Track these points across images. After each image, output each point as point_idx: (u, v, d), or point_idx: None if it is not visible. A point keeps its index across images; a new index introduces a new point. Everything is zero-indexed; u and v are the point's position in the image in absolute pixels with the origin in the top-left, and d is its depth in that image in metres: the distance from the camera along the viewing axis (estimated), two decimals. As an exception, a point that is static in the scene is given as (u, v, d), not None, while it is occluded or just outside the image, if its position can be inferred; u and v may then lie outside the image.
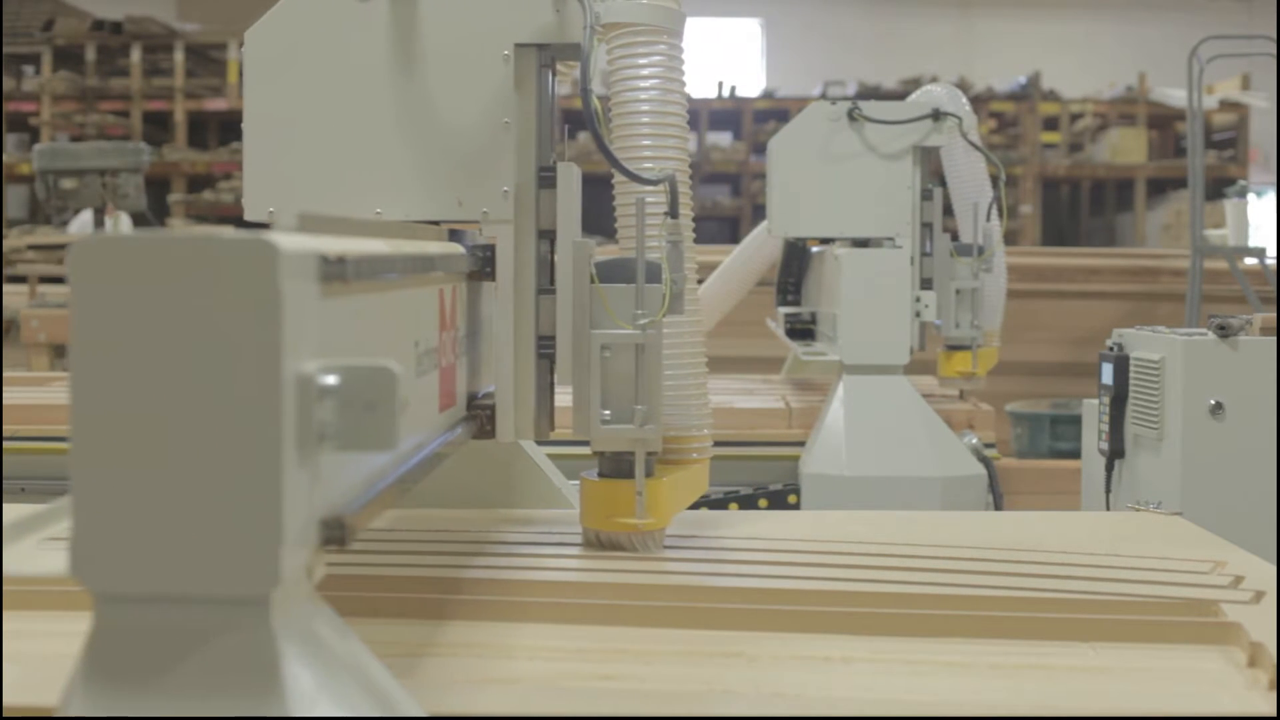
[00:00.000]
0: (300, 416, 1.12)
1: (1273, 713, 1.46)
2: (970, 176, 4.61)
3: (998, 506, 4.15)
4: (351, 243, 1.35)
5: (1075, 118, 14.08)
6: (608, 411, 2.02)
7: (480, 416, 2.11)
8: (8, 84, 12.05)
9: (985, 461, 4.13)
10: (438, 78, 2.12)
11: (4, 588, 1.62)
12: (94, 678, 1.09)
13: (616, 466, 2.07)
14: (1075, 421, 4.85)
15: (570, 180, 2.15)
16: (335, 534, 1.19)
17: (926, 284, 4.23)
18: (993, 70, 15.28)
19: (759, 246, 5.13)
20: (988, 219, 4.53)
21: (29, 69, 12.50)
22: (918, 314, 4.16)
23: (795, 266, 4.94)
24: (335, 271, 1.22)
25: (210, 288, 1.07)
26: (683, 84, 2.21)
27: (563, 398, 2.14)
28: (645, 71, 2.16)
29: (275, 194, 2.15)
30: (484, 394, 2.19)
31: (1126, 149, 13.46)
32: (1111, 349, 3.56)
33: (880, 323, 4.12)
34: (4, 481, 3.80)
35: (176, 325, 1.08)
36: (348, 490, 1.30)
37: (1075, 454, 4.14)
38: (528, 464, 2.44)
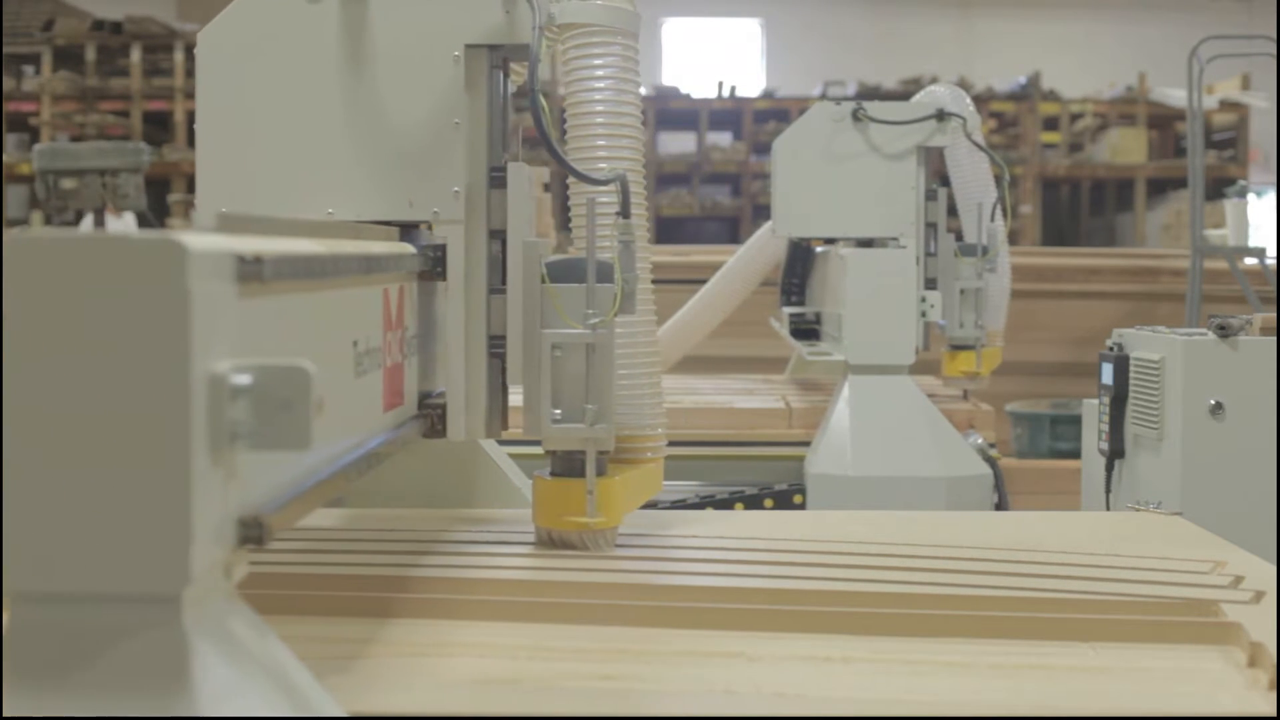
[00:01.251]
0: (211, 416, 1.12)
1: (1273, 713, 1.46)
2: (974, 177, 4.61)
3: (1003, 506, 4.15)
4: (274, 243, 1.35)
5: (1075, 118, 14.08)
6: (558, 411, 2.03)
7: (431, 416, 2.12)
8: (8, 84, 12.05)
9: (990, 461, 4.13)
10: (388, 78, 2.14)
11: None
12: (9, 676, 1.09)
13: (568, 465, 2.08)
14: (1075, 421, 4.85)
15: (520, 180, 2.16)
16: (253, 533, 1.20)
17: (931, 284, 4.24)
18: (993, 70, 15.28)
19: (762, 247, 5.14)
20: (991, 219, 4.53)
21: (29, 69, 12.49)
22: (923, 314, 4.16)
23: (799, 266, 4.95)
24: (252, 271, 1.22)
25: (121, 287, 1.08)
26: (637, 84, 2.22)
27: (517, 397, 2.15)
28: (600, 72, 2.18)
29: (228, 195, 2.16)
30: (438, 393, 2.19)
31: (1126, 149, 13.46)
32: (1111, 349, 3.56)
33: (885, 323, 4.12)
34: None
35: (89, 325, 1.08)
36: (271, 489, 1.30)
37: (1075, 454, 4.14)
38: (487, 464, 2.45)
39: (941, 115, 4.18)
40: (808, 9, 18.22)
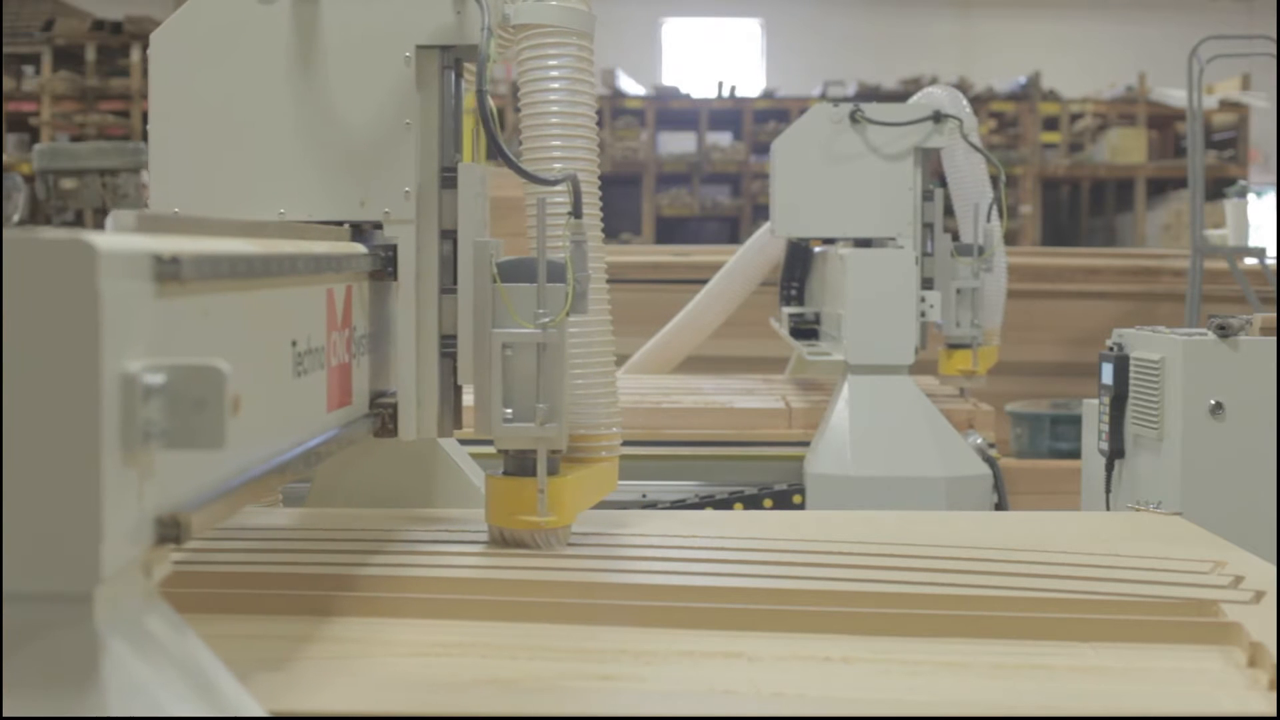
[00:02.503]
0: (123, 415, 1.12)
1: (1273, 713, 1.46)
2: (971, 177, 4.63)
3: (1003, 506, 4.15)
4: (197, 243, 1.35)
5: (1075, 118, 14.08)
6: (510, 410, 2.04)
7: (383, 415, 2.12)
8: (8, 84, 12.05)
9: (990, 461, 4.13)
10: (339, 79, 2.15)
11: None
12: None
13: (520, 465, 2.09)
14: (1075, 421, 4.85)
15: (471, 180, 2.16)
16: (171, 532, 1.20)
17: (928, 284, 4.25)
18: (993, 70, 15.27)
19: (761, 247, 5.15)
20: (988, 219, 4.55)
21: (29, 69, 12.49)
22: (922, 314, 4.17)
23: (798, 267, 4.95)
24: (170, 271, 1.23)
25: (31, 287, 1.08)
26: (592, 85, 2.24)
27: (471, 396, 2.16)
28: (555, 73, 2.19)
29: (181, 195, 2.17)
30: (390, 392, 2.20)
31: (1126, 149, 13.46)
32: (1111, 349, 3.56)
33: (885, 323, 4.13)
34: None
35: (2, 324, 1.09)
36: (197, 488, 1.31)
37: (1075, 454, 4.14)
38: (446, 463, 2.46)
39: (938, 117, 4.19)
40: (808, 9, 18.22)
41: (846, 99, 12.03)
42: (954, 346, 4.55)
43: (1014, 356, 7.60)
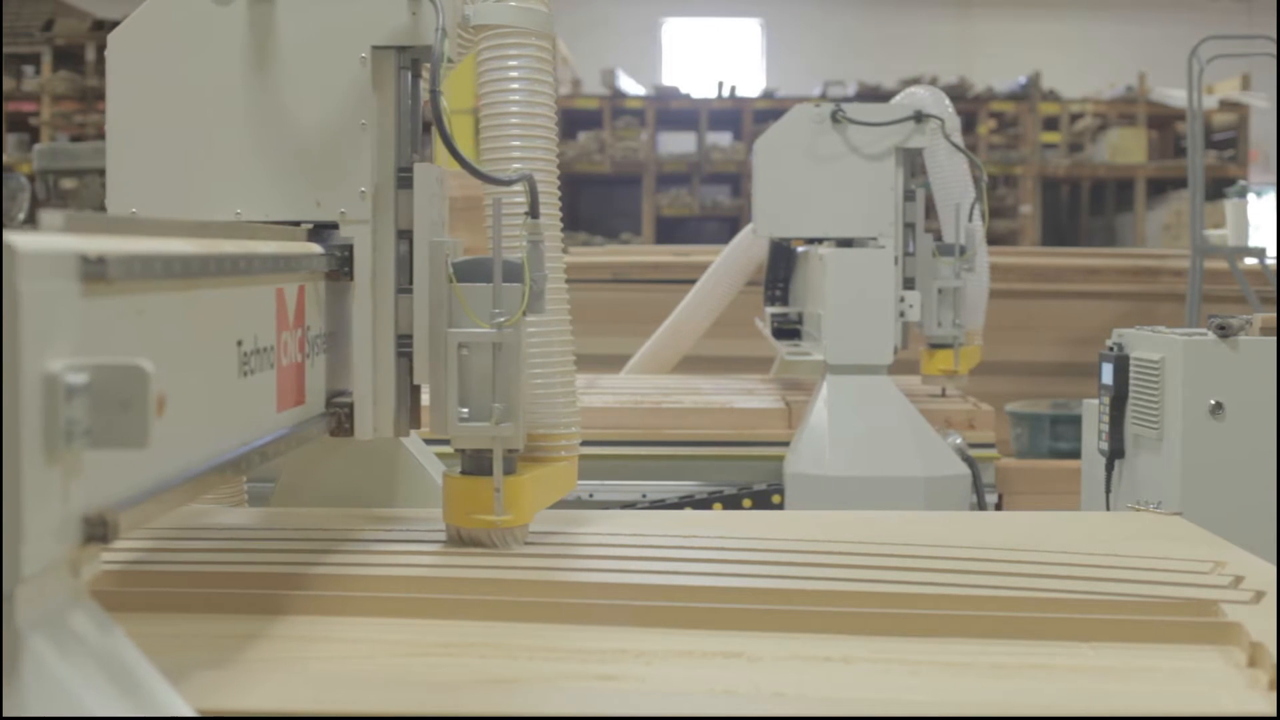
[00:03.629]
0: (45, 415, 1.13)
1: (1273, 713, 1.46)
2: (953, 177, 4.64)
3: (982, 506, 4.14)
4: (127, 242, 1.35)
5: (1075, 118, 14.08)
6: (466, 409, 2.05)
7: (339, 414, 2.13)
8: (8, 84, 12.05)
9: (969, 461, 4.12)
10: (296, 80, 2.15)
11: None
12: None
13: (478, 464, 2.09)
14: (1075, 421, 4.85)
15: (428, 181, 2.17)
16: (98, 531, 1.21)
17: (909, 284, 4.25)
18: (993, 70, 15.28)
19: (745, 248, 5.16)
20: (970, 219, 4.55)
21: (29, 69, 12.50)
22: (902, 314, 4.17)
23: (782, 267, 4.95)
24: (96, 271, 1.23)
25: None
26: (552, 85, 2.25)
27: None
28: (514, 74, 2.20)
29: (138, 196, 2.17)
30: (349, 391, 2.21)
31: (1126, 149, 13.47)
32: (1111, 349, 3.56)
33: (864, 323, 4.13)
34: None
35: None
36: (130, 487, 1.32)
37: (1075, 454, 4.14)
38: (410, 462, 2.46)
39: (919, 117, 4.19)
40: (808, 9, 18.23)
41: (847, 99, 12.05)
42: (936, 346, 4.55)
43: (1014, 356, 7.62)
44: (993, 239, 13.52)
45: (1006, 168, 13.47)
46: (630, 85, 14.26)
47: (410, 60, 2.20)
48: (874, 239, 4.19)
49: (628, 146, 13.16)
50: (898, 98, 4.66)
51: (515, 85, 2.20)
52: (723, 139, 13.97)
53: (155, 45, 2.17)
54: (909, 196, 4.25)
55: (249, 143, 2.15)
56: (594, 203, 14.67)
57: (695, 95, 13.78)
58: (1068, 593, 1.85)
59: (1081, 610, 1.78)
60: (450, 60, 2.23)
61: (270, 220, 2.15)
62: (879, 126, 4.20)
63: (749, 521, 2.60)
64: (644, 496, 4.16)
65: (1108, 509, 3.54)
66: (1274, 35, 7.86)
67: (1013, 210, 13.53)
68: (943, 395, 4.75)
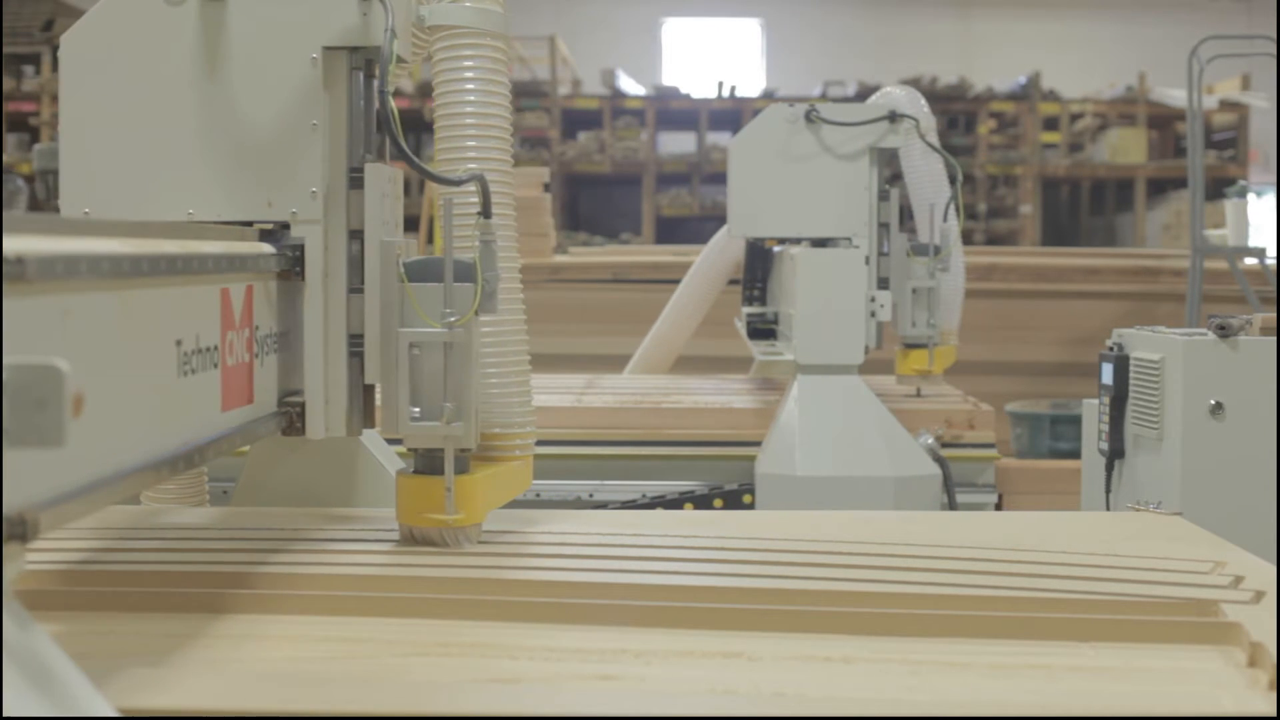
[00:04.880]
0: None
1: (1273, 713, 1.46)
2: (928, 177, 4.64)
3: (953, 506, 4.13)
4: (55, 243, 1.35)
5: (1075, 118, 14.09)
6: (417, 409, 2.06)
7: (291, 413, 2.13)
8: (8, 84, 12.05)
9: (940, 461, 4.11)
10: (247, 81, 2.16)
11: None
12: None
13: (430, 463, 2.10)
14: (1075, 421, 4.85)
15: (379, 181, 2.17)
16: (17, 529, 1.21)
17: (883, 284, 4.25)
18: (993, 70, 15.29)
19: (721, 249, 5.17)
20: (944, 219, 4.55)
21: (29, 69, 12.50)
22: (873, 314, 4.17)
23: (759, 267, 4.95)
24: (15, 272, 1.23)
25: None
26: (507, 85, 2.25)
27: None
28: (469, 74, 2.21)
29: (91, 196, 2.18)
30: (303, 390, 2.21)
31: (1126, 149, 13.47)
32: (1111, 349, 3.56)
33: (835, 323, 4.12)
34: None
35: None
36: (55, 485, 1.32)
37: (1075, 454, 4.14)
38: (369, 462, 2.47)
39: (893, 116, 4.19)
40: (808, 9, 18.23)
41: (846, 99, 12.05)
42: (910, 346, 4.55)
43: (1014, 356, 7.62)
44: (993, 239, 13.57)
45: (1006, 168, 13.48)
46: (630, 85, 14.27)
47: (363, 61, 2.21)
48: (848, 239, 4.19)
49: (628, 146, 13.16)
50: (874, 97, 4.66)
51: (470, 86, 2.20)
52: (723, 139, 13.96)
53: (108, 46, 2.17)
54: (883, 196, 4.25)
55: (201, 143, 2.16)
56: (594, 203, 14.68)
57: (695, 95, 13.78)
58: (1068, 593, 1.85)
59: (1081, 610, 1.78)
60: (404, 61, 2.25)
61: (223, 220, 2.15)
62: (853, 126, 4.20)
63: (748, 521, 2.60)
64: (643, 495, 4.16)
65: (1108, 509, 3.54)
66: (1274, 35, 7.86)
67: (1013, 210, 13.53)
68: (918, 395, 4.74)
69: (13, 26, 12.02)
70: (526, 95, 13.60)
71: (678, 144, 14.16)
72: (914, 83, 14.03)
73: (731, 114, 13.46)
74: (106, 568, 1.95)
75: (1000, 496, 4.40)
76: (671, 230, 13.03)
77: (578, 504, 4.06)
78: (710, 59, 17.95)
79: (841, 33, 17.99)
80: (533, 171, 8.49)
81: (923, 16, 18.22)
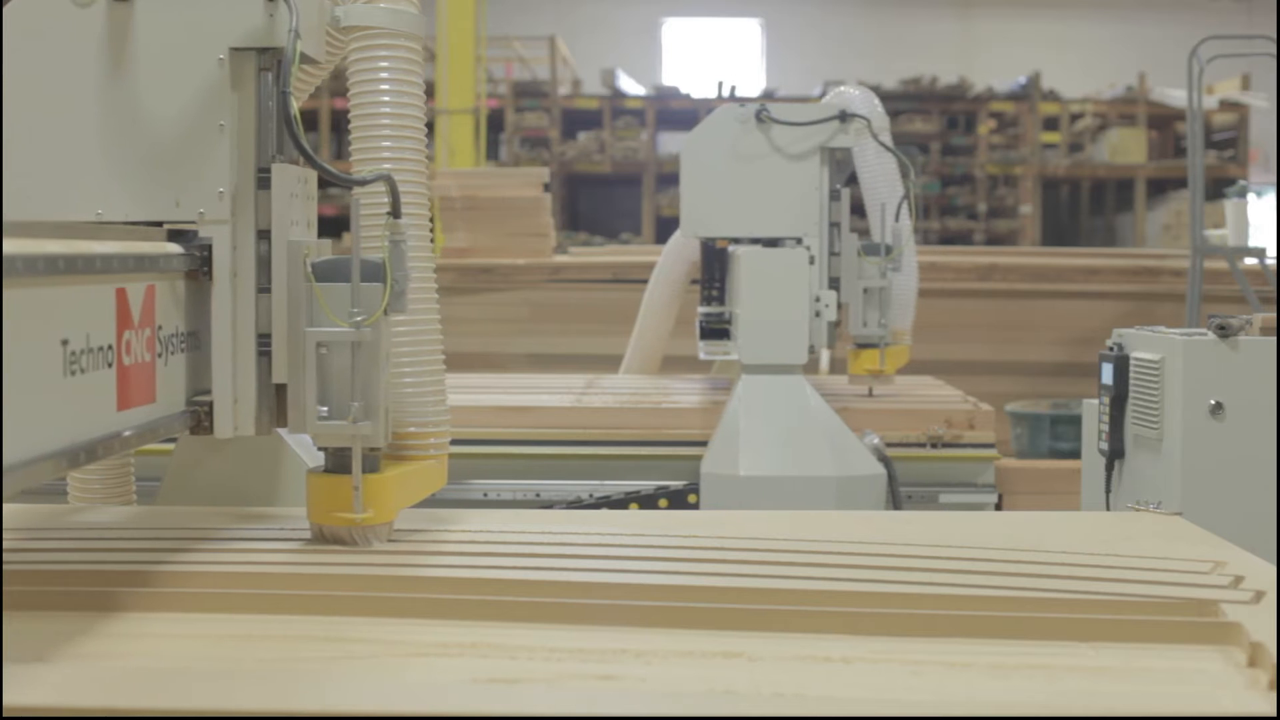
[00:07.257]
0: None
1: (1273, 713, 1.46)
2: (881, 176, 4.64)
3: (897, 506, 4.12)
4: None
5: (1075, 118, 14.09)
6: (325, 408, 2.07)
7: (199, 412, 2.13)
8: (8, 84, 12.04)
9: (885, 461, 4.10)
10: (155, 81, 2.16)
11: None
12: None
13: (341, 462, 2.10)
14: (1075, 421, 4.86)
15: (286, 181, 2.18)
16: None
17: (834, 283, 4.25)
18: (993, 70, 15.29)
19: (678, 250, 5.17)
20: (896, 218, 4.55)
21: (29, 69, 12.48)
22: (818, 314, 4.16)
23: (717, 267, 4.95)
24: None
25: None
26: (421, 86, 2.26)
27: None
28: (384, 75, 2.21)
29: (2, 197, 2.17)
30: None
31: (1126, 149, 13.48)
32: (1111, 349, 3.56)
33: (779, 322, 4.11)
34: None
35: None
36: None
37: (1075, 454, 4.14)
38: (294, 460, 2.47)
39: (844, 116, 4.19)
40: (808, 9, 18.23)
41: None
42: (862, 346, 4.55)
43: (1014, 356, 7.63)
44: (993, 239, 13.58)
45: (1006, 168, 13.48)
46: (630, 85, 14.28)
47: (273, 62, 2.20)
48: (798, 239, 4.19)
49: (628, 146, 13.17)
50: (828, 97, 4.66)
51: (385, 86, 2.21)
52: (723, 139, 13.97)
53: (17, 47, 2.17)
54: (834, 196, 4.24)
55: (110, 144, 2.16)
56: (594, 203, 14.69)
57: (695, 95, 13.79)
58: (1068, 593, 1.85)
59: (1081, 610, 1.78)
60: (315, 62, 2.26)
61: (130, 220, 2.15)
62: (803, 126, 4.20)
63: (747, 521, 2.60)
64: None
65: (1108, 509, 3.54)
66: (1274, 35, 7.87)
67: (1013, 210, 13.54)
68: (869, 395, 4.73)
69: (13, 26, 12.02)
70: (527, 95, 13.61)
71: (678, 144, 14.09)
72: (914, 83, 14.05)
73: (731, 114, 13.45)
74: (9, 567, 1.93)
75: (1000, 496, 4.40)
76: (671, 230, 12.89)
77: (527, 504, 4.06)
78: (710, 59, 17.95)
79: (841, 33, 17.99)
80: (532, 171, 8.49)
81: (923, 16, 18.22)
